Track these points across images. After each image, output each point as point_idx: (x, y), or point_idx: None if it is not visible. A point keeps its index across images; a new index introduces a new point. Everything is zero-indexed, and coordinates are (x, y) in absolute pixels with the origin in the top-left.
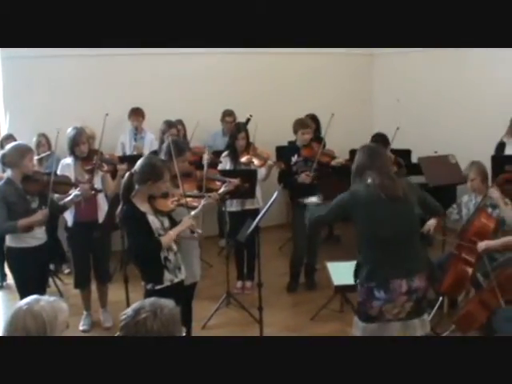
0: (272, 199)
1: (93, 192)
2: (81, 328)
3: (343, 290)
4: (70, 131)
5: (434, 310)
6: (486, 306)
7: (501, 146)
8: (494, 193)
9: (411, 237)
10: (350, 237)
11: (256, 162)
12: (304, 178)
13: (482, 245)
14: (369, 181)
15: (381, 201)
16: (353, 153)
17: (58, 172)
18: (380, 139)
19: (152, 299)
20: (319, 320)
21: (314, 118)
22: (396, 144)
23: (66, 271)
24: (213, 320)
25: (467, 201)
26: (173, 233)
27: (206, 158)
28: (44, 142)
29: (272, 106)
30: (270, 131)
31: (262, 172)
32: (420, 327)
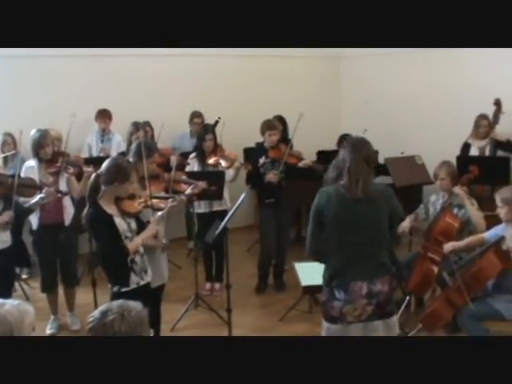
0: (239, 201)
1: (58, 195)
2: (48, 332)
3: (311, 290)
4: (34, 133)
5: (401, 310)
6: (452, 305)
7: (466, 146)
8: (460, 192)
9: (376, 240)
10: None
11: (223, 163)
12: (271, 177)
13: (449, 246)
14: (341, 182)
15: (347, 202)
16: (320, 154)
17: (22, 174)
18: (356, 141)
19: (119, 301)
20: (288, 321)
21: (281, 120)
22: None
23: (24, 276)
24: (182, 322)
25: (434, 200)
26: (139, 239)
27: (173, 160)
28: (10, 141)
29: (240, 107)
30: (238, 133)
31: (229, 173)
32: (383, 329)
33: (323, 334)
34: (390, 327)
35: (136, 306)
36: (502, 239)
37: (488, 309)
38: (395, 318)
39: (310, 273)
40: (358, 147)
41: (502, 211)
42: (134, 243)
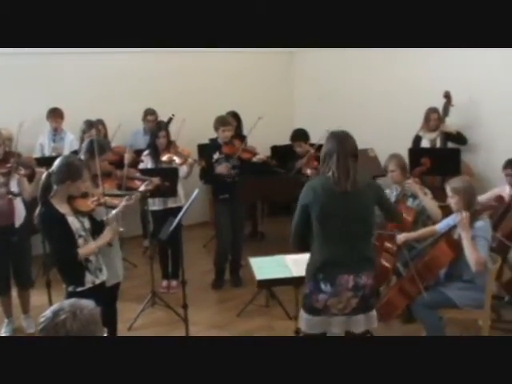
0: (192, 197)
1: (9, 196)
2: (2, 335)
3: (266, 284)
4: None
5: None
6: (406, 294)
7: (417, 139)
8: (412, 184)
9: (363, 233)
10: (275, 233)
11: (177, 160)
12: (222, 169)
13: (401, 237)
14: (329, 173)
15: (335, 196)
16: (274, 149)
17: None
18: (299, 135)
19: (71, 300)
20: (245, 316)
21: (235, 115)
22: (317, 140)
23: None
24: (139, 320)
25: (388, 193)
26: (93, 246)
27: (127, 157)
28: None
29: (194, 104)
30: (192, 129)
31: (183, 170)
32: (364, 323)
33: (302, 325)
34: (370, 320)
35: (88, 304)
36: (452, 228)
37: (441, 297)
38: (374, 311)
39: (265, 267)
40: (344, 140)
41: (452, 201)
42: (87, 249)
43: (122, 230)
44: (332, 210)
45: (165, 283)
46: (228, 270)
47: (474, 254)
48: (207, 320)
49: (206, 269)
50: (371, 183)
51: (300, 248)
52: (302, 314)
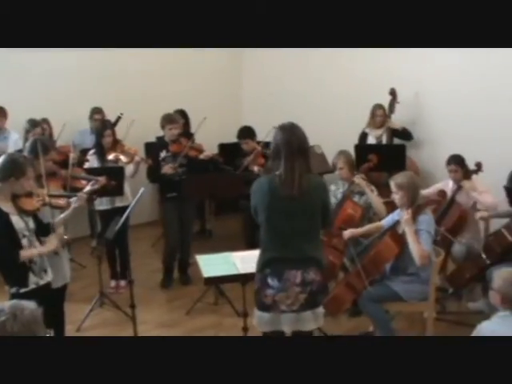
0: (137, 196)
1: None
2: None
3: (213, 281)
4: None
5: None
6: (353, 289)
7: (363, 135)
8: (359, 180)
9: (310, 231)
10: (223, 231)
11: (123, 158)
12: (167, 169)
13: (347, 233)
14: (277, 172)
15: (281, 195)
16: (222, 147)
17: None
18: (245, 132)
19: (12, 302)
20: (195, 314)
21: (182, 113)
22: (264, 137)
23: None
24: (87, 321)
25: (334, 190)
26: (36, 252)
27: (72, 156)
28: None
29: (142, 102)
30: (140, 128)
31: (129, 168)
32: (313, 320)
33: (254, 322)
34: (317, 317)
35: (29, 305)
36: (397, 224)
37: (386, 291)
38: (322, 308)
39: (212, 264)
40: (291, 136)
41: (396, 196)
42: (29, 253)
43: (66, 237)
44: (277, 209)
45: (113, 283)
46: (177, 268)
47: (417, 247)
48: (156, 319)
49: (154, 268)
50: (320, 182)
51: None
52: (255, 311)
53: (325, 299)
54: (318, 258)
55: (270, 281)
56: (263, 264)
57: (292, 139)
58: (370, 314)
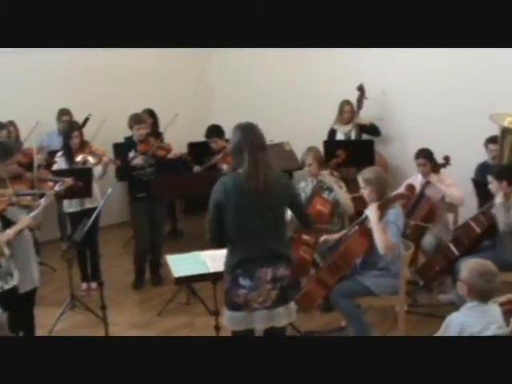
0: (105, 197)
1: None
2: None
3: (184, 281)
4: None
5: None
6: (324, 285)
7: (332, 132)
8: (327, 176)
9: (277, 228)
10: (193, 230)
11: (91, 159)
12: (138, 160)
13: (322, 239)
14: (240, 170)
15: (246, 192)
16: (191, 146)
17: None
18: (213, 131)
19: None
20: (167, 314)
21: (150, 113)
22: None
23: None
24: (59, 325)
25: (304, 186)
26: (11, 231)
27: (36, 158)
28: None
29: (110, 103)
30: (109, 128)
31: (98, 169)
32: (285, 316)
33: (225, 322)
34: (290, 312)
35: None
36: (365, 219)
37: (357, 286)
38: (293, 303)
39: (182, 264)
40: (250, 132)
41: (365, 191)
42: (5, 235)
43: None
44: (244, 207)
45: (84, 286)
46: (148, 269)
47: (382, 237)
48: (128, 320)
49: (126, 269)
50: (284, 178)
51: (219, 244)
52: (225, 311)
53: (297, 295)
54: (287, 254)
55: (241, 281)
56: (234, 265)
57: (253, 136)
58: (342, 309)
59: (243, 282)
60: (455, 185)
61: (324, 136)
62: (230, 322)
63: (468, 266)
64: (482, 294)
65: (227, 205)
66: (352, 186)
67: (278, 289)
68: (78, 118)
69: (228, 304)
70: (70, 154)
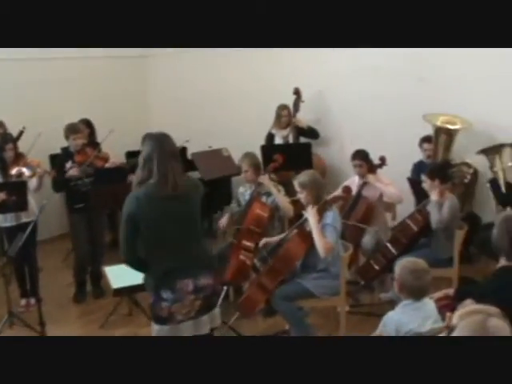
0: (39, 209)
1: None
2: None
3: (122, 292)
4: None
5: (219, 300)
6: (265, 289)
7: (270, 136)
8: (265, 180)
9: (193, 236)
10: None
11: (27, 172)
12: (74, 171)
13: (263, 241)
14: (151, 181)
15: (158, 201)
16: (129, 155)
17: None
18: (158, 136)
19: None
20: (109, 327)
21: (87, 123)
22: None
23: None
24: None
25: (243, 191)
26: None
27: None
28: None
29: (45, 114)
30: (45, 140)
31: (33, 182)
32: (210, 322)
33: (154, 335)
34: (214, 318)
35: None
36: (304, 221)
37: (298, 288)
38: (217, 309)
39: (121, 275)
40: (162, 142)
41: (301, 196)
42: None
43: None
44: (158, 216)
45: (23, 302)
46: (89, 281)
47: (321, 240)
48: (69, 335)
49: (66, 283)
50: (196, 183)
51: (134, 263)
52: (152, 325)
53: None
54: (207, 260)
55: (163, 294)
56: (156, 279)
57: (163, 144)
58: (284, 312)
59: (165, 295)
60: (392, 184)
61: (263, 141)
62: (158, 335)
63: (400, 264)
64: (414, 291)
65: (141, 217)
66: (292, 189)
67: (202, 299)
68: (13, 130)
69: (154, 317)
70: (3, 167)
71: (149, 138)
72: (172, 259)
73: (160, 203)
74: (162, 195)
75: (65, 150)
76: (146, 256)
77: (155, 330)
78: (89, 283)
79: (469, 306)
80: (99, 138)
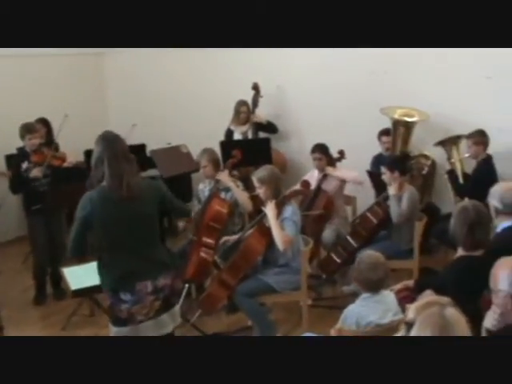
0: None
1: None
2: None
3: (81, 294)
4: None
5: (181, 298)
6: (226, 286)
7: (229, 132)
8: (224, 176)
9: (149, 236)
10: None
11: None
12: (37, 171)
13: (222, 240)
14: (104, 183)
15: (113, 204)
16: (87, 154)
17: None
18: (109, 136)
19: None
20: (71, 328)
21: (44, 122)
22: (132, 140)
23: None
24: None
25: (203, 188)
26: None
27: None
28: None
29: (0, 113)
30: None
31: None
32: (170, 322)
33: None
34: (173, 317)
35: None
36: (263, 217)
37: (260, 284)
38: (177, 307)
39: (79, 276)
40: (112, 143)
41: (260, 191)
42: None
43: None
44: (113, 219)
45: None
46: (49, 283)
47: (279, 234)
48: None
49: (27, 285)
50: (151, 183)
51: (80, 256)
52: (111, 327)
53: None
54: (164, 260)
55: (122, 296)
56: (112, 280)
57: (115, 145)
58: (245, 308)
59: (124, 297)
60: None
61: (222, 137)
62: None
63: (358, 258)
64: (369, 284)
65: (95, 219)
66: (252, 184)
67: (161, 299)
68: None
69: (112, 319)
70: None
71: (100, 139)
72: (129, 261)
73: (113, 205)
74: (116, 197)
75: (20, 150)
76: (102, 256)
77: (114, 331)
78: (49, 285)
79: (428, 296)
80: (57, 136)
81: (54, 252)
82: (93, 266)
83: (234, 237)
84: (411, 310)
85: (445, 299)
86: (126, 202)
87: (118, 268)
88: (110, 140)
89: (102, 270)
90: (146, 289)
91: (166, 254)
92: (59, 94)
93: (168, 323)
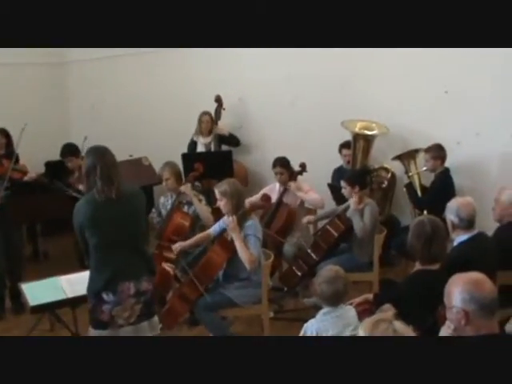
0: None
1: None
2: None
3: (41, 309)
4: None
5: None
6: (187, 300)
7: (192, 143)
8: (186, 190)
9: (135, 240)
10: (57, 251)
11: None
12: None
13: (176, 246)
14: (94, 189)
15: (100, 206)
16: (48, 165)
17: None
18: (68, 150)
19: None
20: None
21: (4, 133)
22: None
23: None
24: None
25: (164, 201)
26: None
27: None
28: None
29: None
30: None
31: None
32: (150, 330)
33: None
34: (153, 326)
35: None
36: (225, 231)
37: (221, 298)
38: (156, 317)
39: (38, 292)
40: (103, 153)
41: (221, 204)
42: None
43: None
44: (100, 221)
45: None
46: (8, 297)
47: (245, 253)
48: None
49: None
50: (140, 192)
51: None
52: (90, 330)
53: (161, 311)
54: (150, 267)
55: (105, 296)
56: (96, 281)
57: (106, 156)
58: (206, 322)
59: (106, 297)
60: (313, 190)
61: (185, 148)
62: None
63: (317, 273)
64: (328, 298)
65: (85, 223)
66: (215, 197)
67: (142, 303)
68: None
69: (93, 323)
70: None
71: (91, 151)
72: (114, 263)
73: (100, 208)
74: (104, 199)
75: None
76: (92, 261)
77: (93, 334)
78: (8, 299)
79: (387, 310)
80: (16, 147)
81: (13, 265)
82: (52, 281)
83: (188, 242)
84: (361, 329)
85: (389, 313)
86: (114, 205)
87: (104, 269)
88: (101, 151)
89: (91, 273)
90: (129, 291)
91: (151, 258)
92: (20, 105)
93: (147, 332)
